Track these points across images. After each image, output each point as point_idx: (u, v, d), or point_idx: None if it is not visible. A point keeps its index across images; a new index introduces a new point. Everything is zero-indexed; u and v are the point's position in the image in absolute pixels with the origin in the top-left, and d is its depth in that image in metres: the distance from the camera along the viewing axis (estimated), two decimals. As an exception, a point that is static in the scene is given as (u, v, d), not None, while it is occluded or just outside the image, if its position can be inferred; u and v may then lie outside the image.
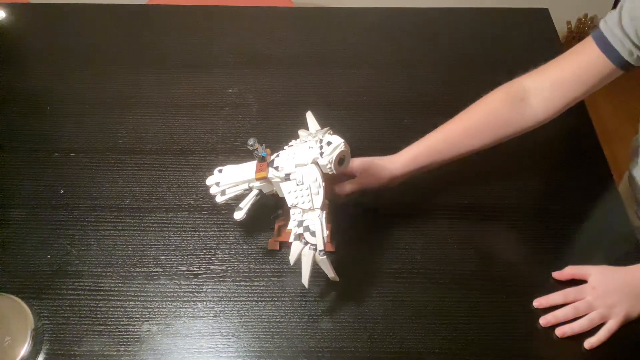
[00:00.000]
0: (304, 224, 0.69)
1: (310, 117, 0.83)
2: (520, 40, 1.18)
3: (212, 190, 0.78)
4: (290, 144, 0.76)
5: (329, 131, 0.76)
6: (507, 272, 0.81)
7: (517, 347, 0.74)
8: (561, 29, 1.93)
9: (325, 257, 0.69)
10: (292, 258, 0.70)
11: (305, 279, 0.71)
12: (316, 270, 0.80)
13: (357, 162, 0.81)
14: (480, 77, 1.09)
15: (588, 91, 0.78)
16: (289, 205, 0.71)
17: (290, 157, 0.72)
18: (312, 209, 0.69)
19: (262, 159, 0.75)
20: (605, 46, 0.74)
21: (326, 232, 0.69)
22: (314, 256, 0.69)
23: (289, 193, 0.71)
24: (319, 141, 0.71)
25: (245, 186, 0.77)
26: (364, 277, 0.80)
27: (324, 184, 0.69)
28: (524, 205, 0.88)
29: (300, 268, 0.71)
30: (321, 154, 0.70)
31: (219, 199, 0.78)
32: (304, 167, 0.70)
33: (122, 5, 1.23)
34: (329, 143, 0.70)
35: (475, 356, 0.73)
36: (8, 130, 0.98)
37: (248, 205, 0.77)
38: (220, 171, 0.79)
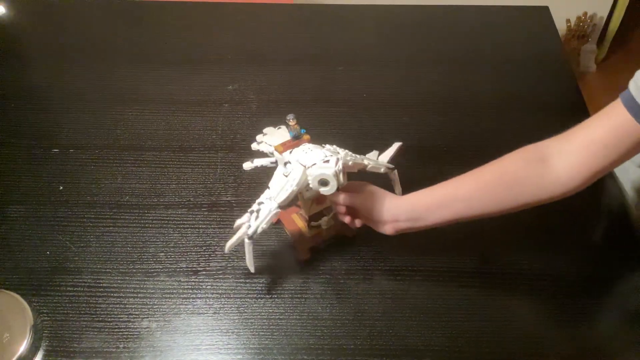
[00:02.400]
0: (257, 209, 0.71)
1: (394, 148, 0.81)
2: (520, 38, 1.18)
3: (253, 146, 0.79)
4: (324, 145, 0.76)
5: (388, 168, 0.76)
6: (506, 270, 0.81)
7: (517, 344, 0.74)
8: (561, 27, 1.93)
9: (249, 242, 0.71)
10: (236, 222, 0.73)
11: (229, 243, 0.73)
12: (316, 267, 0.80)
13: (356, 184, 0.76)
14: (481, 74, 1.09)
15: (619, 159, 0.67)
16: (268, 185, 0.73)
17: (305, 152, 0.73)
18: (272, 201, 0.71)
19: (294, 137, 0.75)
20: (635, 110, 0.64)
21: (264, 225, 0.70)
22: (244, 234, 0.71)
23: (275, 176, 0.73)
24: (333, 154, 0.71)
25: (274, 159, 0.77)
26: (363, 274, 0.80)
27: (296, 188, 0.69)
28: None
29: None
30: (314, 164, 0.70)
31: (246, 166, 0.78)
32: (299, 166, 0.71)
33: (122, 2, 1.23)
34: (326, 162, 0.70)
35: (474, 353, 0.73)
36: (7, 126, 0.97)
37: (260, 164, 0.78)
38: (264, 134, 0.80)
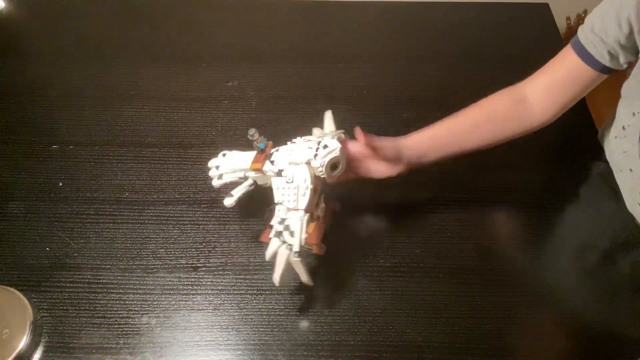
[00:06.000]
0: (286, 222, 0.68)
1: (328, 116, 0.81)
2: (520, 35, 1.17)
3: (211, 173, 0.77)
4: (293, 140, 0.76)
5: (340, 134, 0.75)
6: (506, 266, 0.81)
7: (517, 341, 0.74)
8: (561, 24, 1.93)
9: (299, 259, 0.67)
10: (268, 253, 0.69)
11: (276, 276, 0.69)
12: (316, 264, 0.80)
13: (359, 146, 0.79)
14: (480, 71, 1.09)
15: (582, 92, 0.79)
16: (275, 202, 0.70)
17: (287, 153, 0.72)
18: (295, 209, 0.68)
19: (261, 151, 0.74)
20: (582, 53, 0.76)
21: (304, 235, 0.67)
22: (288, 256, 0.68)
23: (277, 189, 0.70)
24: (317, 142, 0.71)
25: (242, 174, 0.76)
26: (363, 270, 0.79)
27: (312, 186, 0.68)
28: (523, 200, 0.88)
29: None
30: (315, 155, 0.70)
31: (215, 183, 0.77)
32: (296, 166, 0.70)
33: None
34: (325, 146, 0.69)
35: (473, 350, 0.73)
36: (7, 122, 0.97)
37: (239, 194, 0.76)
38: (224, 155, 0.78)
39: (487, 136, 0.82)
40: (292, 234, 0.67)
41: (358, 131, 0.75)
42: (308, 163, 0.70)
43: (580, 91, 0.79)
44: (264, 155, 0.74)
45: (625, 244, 0.84)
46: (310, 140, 0.73)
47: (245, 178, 0.76)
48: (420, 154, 0.80)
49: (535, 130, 0.83)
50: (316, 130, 0.80)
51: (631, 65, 0.76)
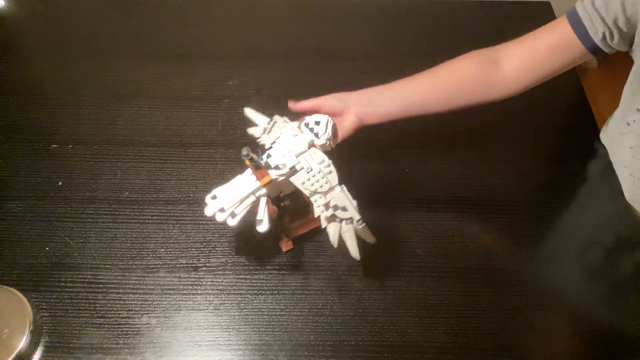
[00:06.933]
0: (331, 204, 0.69)
1: (250, 112, 0.82)
2: (521, 34, 1.17)
3: (219, 218, 0.71)
4: (272, 141, 0.74)
5: (285, 119, 0.77)
6: (508, 266, 0.81)
7: (519, 341, 0.74)
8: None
9: (364, 224, 0.68)
10: (334, 241, 0.69)
11: (355, 252, 0.69)
12: (317, 263, 0.80)
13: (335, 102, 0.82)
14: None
15: (561, 68, 0.77)
16: (308, 195, 0.70)
17: (284, 152, 0.71)
18: (331, 188, 0.69)
19: (257, 165, 0.70)
20: (576, 25, 0.73)
21: (355, 202, 0.69)
22: (353, 228, 0.68)
23: (303, 184, 0.69)
24: (304, 125, 0.71)
25: (253, 198, 0.72)
26: (364, 270, 0.79)
27: (331, 161, 0.69)
28: (525, 199, 0.88)
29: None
30: (316, 134, 0.70)
31: (231, 222, 0.71)
32: (305, 154, 0.70)
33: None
34: (317, 122, 0.70)
35: (475, 350, 0.73)
36: (5, 122, 0.97)
37: (267, 215, 0.72)
38: (214, 197, 0.72)
39: (446, 97, 0.80)
40: (344, 209, 0.68)
41: (290, 104, 0.81)
42: (312, 144, 0.70)
43: (560, 67, 0.76)
44: (262, 169, 0.71)
45: (627, 242, 0.84)
46: (284, 132, 0.73)
47: (258, 198, 0.72)
48: (373, 98, 0.80)
49: (502, 99, 0.79)
50: (253, 130, 0.81)
51: (626, 56, 0.75)
